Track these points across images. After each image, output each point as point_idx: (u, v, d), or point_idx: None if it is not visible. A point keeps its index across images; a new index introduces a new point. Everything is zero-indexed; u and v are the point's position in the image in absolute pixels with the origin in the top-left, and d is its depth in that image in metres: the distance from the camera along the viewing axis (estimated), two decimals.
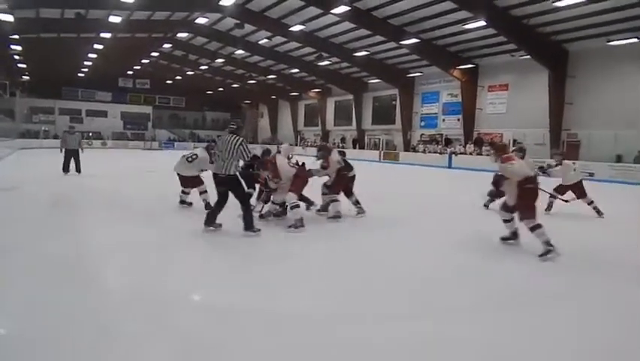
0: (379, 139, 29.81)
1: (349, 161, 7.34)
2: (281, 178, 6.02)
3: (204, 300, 3.49)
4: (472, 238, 5.66)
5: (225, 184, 5.34)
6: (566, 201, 7.47)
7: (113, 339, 2.65)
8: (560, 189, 7.62)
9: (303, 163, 6.51)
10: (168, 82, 40.95)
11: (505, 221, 5.18)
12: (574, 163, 8.29)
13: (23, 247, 4.67)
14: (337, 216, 6.58)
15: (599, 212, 7.45)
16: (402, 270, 4.35)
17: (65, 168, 12.10)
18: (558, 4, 15.08)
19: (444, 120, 26.06)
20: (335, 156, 6.78)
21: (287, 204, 6.06)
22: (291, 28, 21.78)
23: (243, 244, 5.11)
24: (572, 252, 4.84)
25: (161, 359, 2.49)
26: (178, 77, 39.02)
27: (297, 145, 37.10)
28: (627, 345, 2.83)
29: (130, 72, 39.70)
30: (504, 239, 5.30)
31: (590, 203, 7.54)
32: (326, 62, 27.52)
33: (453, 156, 22.45)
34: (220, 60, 31.59)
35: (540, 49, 18.61)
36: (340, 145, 32.92)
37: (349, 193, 6.96)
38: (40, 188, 9.66)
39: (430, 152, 24.54)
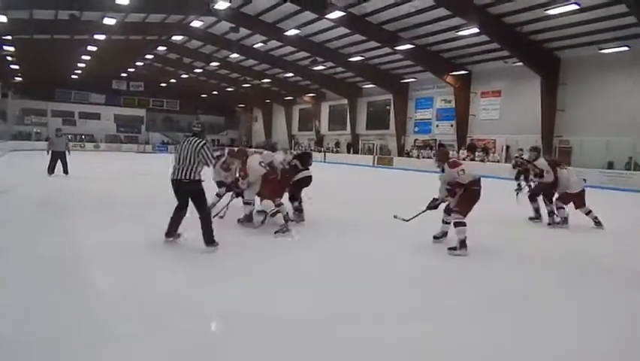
0: (373, 144, 29.90)
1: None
2: (248, 175, 6.04)
3: (200, 302, 3.46)
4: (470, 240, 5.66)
5: (186, 190, 4.83)
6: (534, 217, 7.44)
7: (108, 339, 2.63)
8: (566, 198, 7.00)
9: (291, 166, 6.48)
10: (162, 85, 40.83)
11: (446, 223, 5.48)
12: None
13: (15, 249, 4.62)
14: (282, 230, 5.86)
15: (598, 223, 6.91)
16: (399, 271, 4.37)
17: (51, 170, 12.12)
18: (550, 12, 15.28)
19: (437, 126, 26.21)
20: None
21: (267, 212, 5.98)
22: (286, 33, 21.84)
23: (232, 247, 5.07)
24: (569, 255, 4.89)
25: (156, 359, 2.47)
26: (172, 80, 38.90)
27: (291, 149, 37.08)
28: (626, 346, 2.86)
29: (124, 75, 39.53)
30: (436, 238, 5.54)
31: (588, 213, 6.98)
32: (321, 67, 27.61)
33: None
34: (215, 63, 31.57)
35: (532, 56, 18.85)
36: (334, 150, 33.09)
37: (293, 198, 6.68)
38: (31, 190, 9.55)
39: (423, 157, 24.65)
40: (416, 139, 27.48)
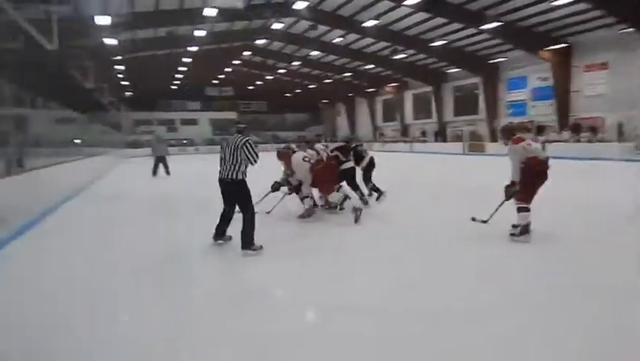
0: (462, 130, 28.52)
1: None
2: (294, 172, 6.36)
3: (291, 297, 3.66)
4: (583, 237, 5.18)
5: (230, 191, 4.73)
6: None
7: (227, 330, 2.91)
8: None
9: (330, 157, 6.67)
10: (250, 88, 43.06)
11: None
12: None
13: (129, 247, 5.28)
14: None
15: None
16: (466, 261, 4.16)
17: (154, 172, 13.69)
18: None
19: (534, 106, 24.16)
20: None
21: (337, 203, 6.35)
22: (363, 24, 21.70)
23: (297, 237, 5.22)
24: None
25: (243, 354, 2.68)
26: (258, 82, 40.86)
27: (375, 141, 36.91)
28: None
29: (215, 81, 42.42)
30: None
31: None
32: (401, 55, 27.02)
33: (547, 144, 20.67)
34: (296, 63, 32.50)
35: None
36: (420, 139, 32.20)
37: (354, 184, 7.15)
38: (141, 194, 10.69)
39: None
40: (510, 122, 25.58)
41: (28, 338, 2.84)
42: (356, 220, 5.91)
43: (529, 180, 4.70)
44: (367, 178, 7.64)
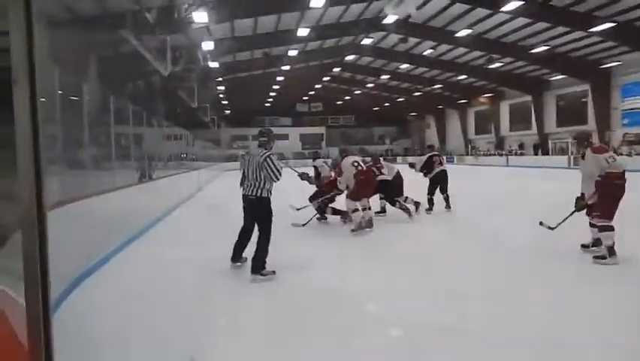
0: (567, 143, 26.12)
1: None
2: (342, 172, 6.67)
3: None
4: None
5: (252, 209, 4.43)
6: None
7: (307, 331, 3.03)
8: None
9: (369, 166, 7.01)
10: (338, 103, 43.95)
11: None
12: None
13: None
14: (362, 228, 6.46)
15: None
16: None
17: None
18: None
19: None
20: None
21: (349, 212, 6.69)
22: (456, 34, 21.06)
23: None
24: None
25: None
26: (347, 97, 41.56)
27: (467, 155, 35.33)
28: None
29: (305, 98, 44.02)
30: (585, 247, 4.77)
31: None
32: (497, 64, 25.68)
33: None
34: (385, 76, 32.48)
35: None
36: (517, 152, 30.21)
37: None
38: (235, 205, 11.38)
39: (636, 153, 20.32)
40: (626, 133, 22.93)
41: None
42: (353, 228, 6.42)
43: (609, 194, 4.29)
44: (432, 189, 8.12)
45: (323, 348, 2.83)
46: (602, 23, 17.53)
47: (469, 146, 37.32)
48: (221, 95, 33.30)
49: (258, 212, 4.40)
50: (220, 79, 27.54)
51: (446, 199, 8.11)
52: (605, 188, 4.29)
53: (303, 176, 6.50)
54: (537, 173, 20.61)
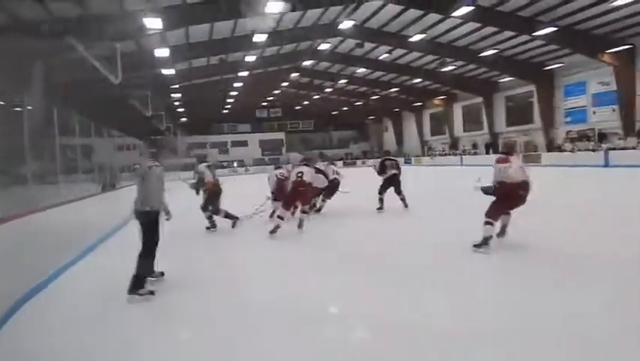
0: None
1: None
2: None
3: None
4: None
5: (157, 221, 4.30)
6: None
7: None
8: None
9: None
10: (297, 108, 43.96)
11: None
12: None
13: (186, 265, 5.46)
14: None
15: None
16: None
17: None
18: None
19: (595, 113, 22.81)
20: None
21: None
22: (411, 39, 21.59)
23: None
24: None
25: None
26: (305, 102, 41.63)
27: (423, 155, 36.26)
28: None
29: (264, 103, 43.69)
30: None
31: None
32: (450, 67, 26.55)
33: (610, 152, 19.38)
34: (343, 81, 32.81)
35: None
36: (471, 151, 31.30)
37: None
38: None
39: (579, 150, 21.55)
40: (569, 130, 24.32)
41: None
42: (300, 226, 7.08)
43: (499, 198, 5.04)
44: (383, 189, 8.91)
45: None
46: (544, 27, 18.51)
47: (426, 147, 38.37)
48: (177, 103, 32.41)
49: (140, 225, 4.23)
50: (176, 86, 26.80)
51: (402, 200, 8.86)
52: (498, 193, 5.04)
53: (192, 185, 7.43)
54: (489, 170, 21.38)
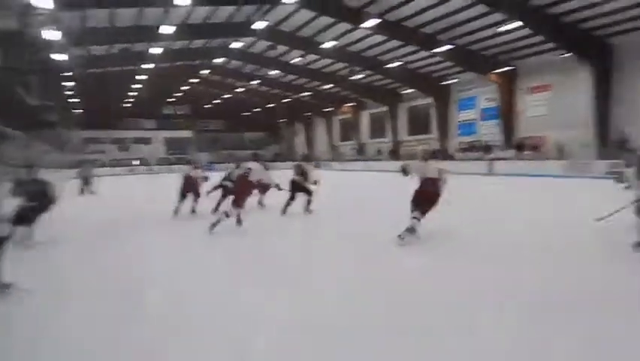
0: (415, 150, 29.42)
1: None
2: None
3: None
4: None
5: None
6: None
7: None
8: None
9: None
10: (207, 106, 42.53)
11: None
12: None
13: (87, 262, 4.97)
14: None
15: None
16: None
17: (80, 191, 15.18)
18: None
19: (482, 126, 25.44)
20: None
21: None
22: (322, 45, 22.15)
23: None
24: None
25: None
26: (216, 101, 40.50)
27: (332, 160, 37.30)
28: None
29: (171, 100, 41.58)
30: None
31: None
32: (359, 76, 27.72)
33: (493, 162, 21.69)
34: (255, 82, 32.53)
35: (582, 45, 17.86)
36: (376, 158, 32.86)
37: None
38: (101, 213, 10.18)
39: (470, 159, 23.79)
40: (461, 141, 26.78)
41: None
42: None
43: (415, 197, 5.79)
44: (290, 195, 8.78)
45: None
46: (443, 45, 20.25)
47: (335, 152, 39.51)
48: (70, 92, 29.39)
49: None
50: (69, 74, 24.31)
51: (307, 202, 8.82)
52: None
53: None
54: (391, 176, 22.66)
